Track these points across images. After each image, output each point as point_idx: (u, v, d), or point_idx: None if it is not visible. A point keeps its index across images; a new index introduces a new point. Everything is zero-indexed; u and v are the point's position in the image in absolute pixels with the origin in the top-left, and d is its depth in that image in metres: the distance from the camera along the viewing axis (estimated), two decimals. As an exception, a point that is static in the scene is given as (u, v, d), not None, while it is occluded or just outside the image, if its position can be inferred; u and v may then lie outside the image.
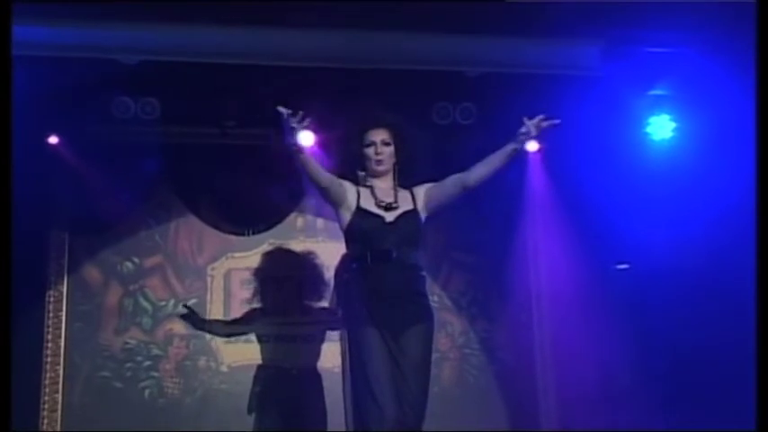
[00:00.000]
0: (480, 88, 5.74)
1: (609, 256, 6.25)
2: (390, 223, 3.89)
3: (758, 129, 3.73)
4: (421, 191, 4.08)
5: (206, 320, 5.86)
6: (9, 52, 3.62)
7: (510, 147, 4.00)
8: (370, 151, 4.02)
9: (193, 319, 5.59)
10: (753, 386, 3.60)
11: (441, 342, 6.09)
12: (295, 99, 5.62)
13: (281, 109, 3.71)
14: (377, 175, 4.04)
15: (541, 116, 3.99)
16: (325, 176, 3.92)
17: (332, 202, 3.98)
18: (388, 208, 3.93)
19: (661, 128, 5.92)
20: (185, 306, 5.77)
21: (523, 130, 3.96)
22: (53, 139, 5.84)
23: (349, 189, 3.99)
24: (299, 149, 3.79)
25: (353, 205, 3.94)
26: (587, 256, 6.11)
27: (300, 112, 3.71)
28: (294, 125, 3.71)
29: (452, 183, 4.06)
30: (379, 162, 4.00)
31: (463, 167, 6.00)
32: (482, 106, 5.98)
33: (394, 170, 4.07)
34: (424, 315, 3.92)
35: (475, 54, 5.40)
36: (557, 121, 4.01)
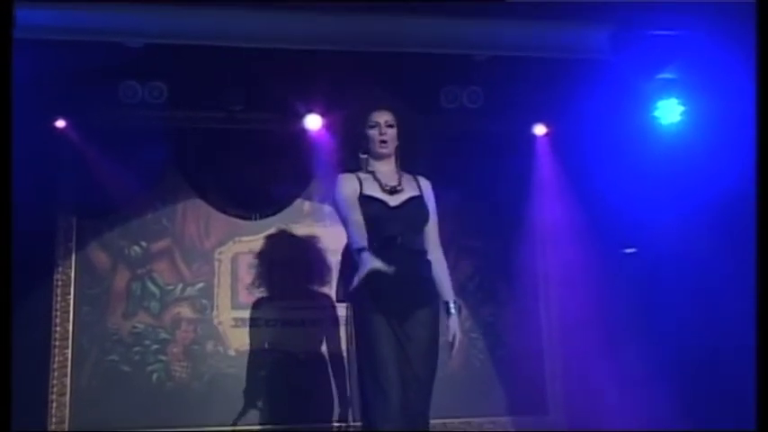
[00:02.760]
0: (488, 72, 5.72)
1: (616, 241, 6.23)
2: (395, 208, 3.88)
3: (759, 125, 3.71)
4: (427, 186, 4.07)
5: None
6: (10, 36, 3.62)
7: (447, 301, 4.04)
8: (374, 132, 4.00)
9: None
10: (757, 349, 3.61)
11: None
12: (302, 82, 5.68)
13: None
14: (380, 157, 4.02)
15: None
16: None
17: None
18: (393, 191, 3.92)
19: (669, 112, 5.88)
20: None
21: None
22: (60, 123, 5.85)
23: (350, 184, 3.97)
24: None
25: (357, 194, 3.93)
26: (594, 241, 6.09)
27: None
28: None
29: (428, 239, 4.07)
30: (383, 143, 3.98)
31: (469, 151, 6.05)
32: (490, 90, 5.97)
33: (396, 154, 4.06)
34: (430, 300, 3.93)
35: (483, 37, 5.38)
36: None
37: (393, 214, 3.86)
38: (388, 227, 3.84)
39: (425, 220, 3.99)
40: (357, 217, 3.84)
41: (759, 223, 3.62)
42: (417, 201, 3.96)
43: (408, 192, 3.96)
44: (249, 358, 5.83)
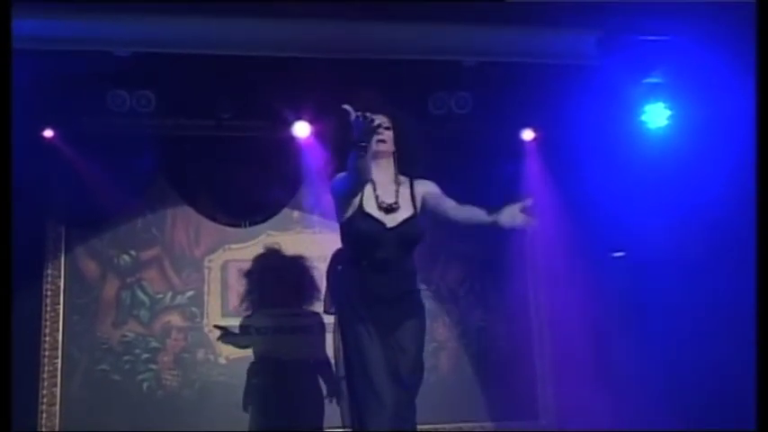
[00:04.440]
0: (476, 78, 5.74)
1: (605, 244, 6.26)
2: (391, 229, 3.86)
3: (759, 125, 3.73)
4: (421, 191, 4.04)
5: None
6: (9, 48, 3.63)
7: (491, 219, 3.96)
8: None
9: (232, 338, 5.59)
10: (749, 372, 3.62)
11: (438, 332, 6.11)
12: (290, 90, 5.69)
13: (348, 108, 3.62)
14: (377, 156, 3.99)
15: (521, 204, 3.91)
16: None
17: (348, 199, 3.93)
18: (389, 210, 3.89)
19: (656, 116, 5.91)
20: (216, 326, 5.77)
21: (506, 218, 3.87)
22: (48, 133, 5.83)
23: None
24: (366, 149, 3.67)
25: (356, 202, 3.90)
26: (583, 245, 6.12)
27: (371, 117, 3.57)
28: (370, 128, 3.58)
29: (442, 208, 4.00)
30: (381, 141, 3.95)
31: (458, 157, 6.07)
32: (478, 96, 5.98)
33: (394, 159, 4.05)
34: (417, 311, 3.93)
35: (472, 44, 5.40)
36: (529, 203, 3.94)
37: (389, 236, 3.85)
38: (382, 249, 3.83)
39: (417, 240, 3.98)
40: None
41: (759, 223, 3.63)
42: (412, 222, 3.94)
43: (405, 210, 3.93)
44: (240, 366, 5.81)
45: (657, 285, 5.86)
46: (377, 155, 3.95)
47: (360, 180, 3.77)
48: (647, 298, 5.94)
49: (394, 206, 3.89)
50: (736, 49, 4.48)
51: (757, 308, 3.53)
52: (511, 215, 3.70)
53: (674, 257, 5.71)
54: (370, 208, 3.86)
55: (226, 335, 5.55)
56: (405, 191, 3.97)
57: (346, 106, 3.59)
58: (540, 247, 6.44)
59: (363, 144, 3.57)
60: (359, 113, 3.52)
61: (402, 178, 4.01)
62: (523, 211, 3.73)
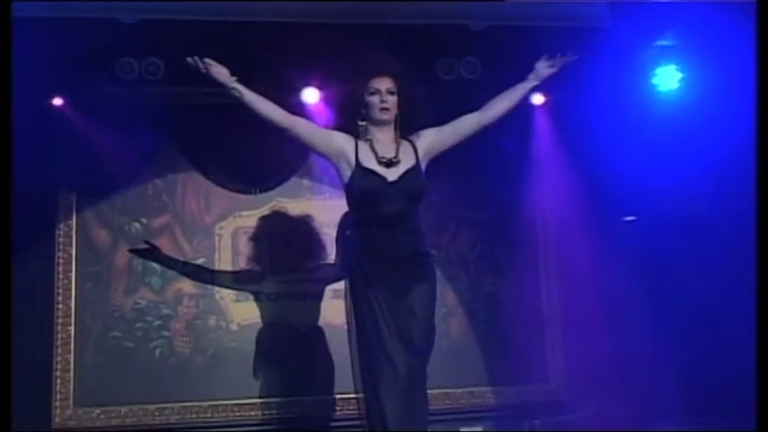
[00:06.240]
0: (485, 42, 5.70)
1: (616, 209, 6.25)
2: (393, 183, 3.86)
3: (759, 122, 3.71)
4: (424, 140, 4.04)
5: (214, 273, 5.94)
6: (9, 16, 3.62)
7: (530, 83, 4.00)
8: (374, 99, 3.97)
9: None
10: (757, 340, 3.62)
11: (448, 297, 6.11)
12: (299, 55, 5.66)
13: (190, 60, 3.73)
14: (380, 123, 3.99)
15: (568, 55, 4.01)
16: (285, 117, 3.91)
17: (316, 149, 3.97)
18: (390, 164, 3.89)
19: (668, 79, 5.88)
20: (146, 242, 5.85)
21: (548, 63, 3.96)
22: (57, 102, 5.83)
23: (342, 139, 3.96)
24: (236, 90, 3.79)
25: (352, 160, 3.90)
26: (594, 209, 6.10)
27: (195, 57, 3.72)
28: (206, 70, 3.72)
29: (468, 123, 4.06)
30: (384, 110, 3.95)
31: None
32: (487, 60, 5.94)
33: (396, 121, 4.04)
34: (428, 274, 3.93)
35: (480, 7, 5.35)
36: (575, 57, 4.03)
37: (391, 190, 3.85)
38: (387, 204, 3.83)
39: (421, 192, 3.98)
40: (288, 116, 4.02)
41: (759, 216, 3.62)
42: (414, 173, 3.94)
43: (405, 163, 3.94)
44: (252, 332, 5.86)
45: (668, 249, 5.85)
46: (380, 123, 3.96)
47: (267, 118, 3.85)
48: (657, 262, 5.93)
49: (394, 160, 3.90)
50: (748, 11, 4.43)
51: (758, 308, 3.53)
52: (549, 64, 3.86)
53: (686, 221, 5.70)
54: (370, 163, 3.87)
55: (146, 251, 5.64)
56: (406, 147, 3.98)
57: (189, 59, 3.72)
58: (552, 212, 6.42)
59: (231, 87, 3.67)
60: (193, 58, 3.65)
61: (401, 139, 4.02)
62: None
